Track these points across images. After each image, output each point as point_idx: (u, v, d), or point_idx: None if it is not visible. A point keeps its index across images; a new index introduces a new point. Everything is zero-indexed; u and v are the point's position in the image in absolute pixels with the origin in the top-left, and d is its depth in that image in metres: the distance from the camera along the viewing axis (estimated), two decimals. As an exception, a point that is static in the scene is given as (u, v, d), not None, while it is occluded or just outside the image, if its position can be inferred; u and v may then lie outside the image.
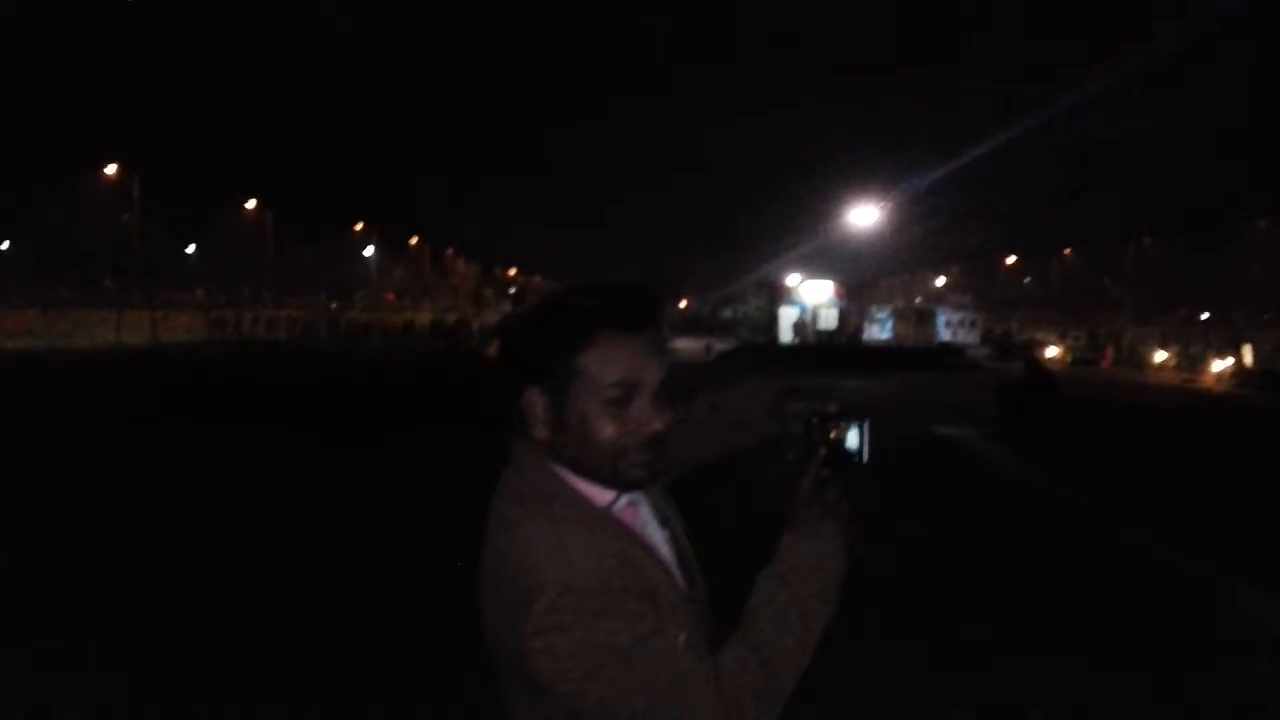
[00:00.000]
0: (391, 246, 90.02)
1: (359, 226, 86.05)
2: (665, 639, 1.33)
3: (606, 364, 1.42)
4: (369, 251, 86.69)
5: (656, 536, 1.56)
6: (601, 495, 1.48)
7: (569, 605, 1.30)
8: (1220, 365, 32.44)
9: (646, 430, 1.44)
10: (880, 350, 39.81)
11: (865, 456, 1.52)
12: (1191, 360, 36.20)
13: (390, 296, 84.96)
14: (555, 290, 1.57)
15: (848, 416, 1.55)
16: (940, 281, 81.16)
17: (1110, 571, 7.15)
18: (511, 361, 1.48)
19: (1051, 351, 40.42)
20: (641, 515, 1.56)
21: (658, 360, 1.47)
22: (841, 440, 1.53)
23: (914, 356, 36.41)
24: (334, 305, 69.20)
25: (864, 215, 50.34)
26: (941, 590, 6.94)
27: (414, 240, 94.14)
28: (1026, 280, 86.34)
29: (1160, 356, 38.41)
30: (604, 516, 1.45)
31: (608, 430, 1.43)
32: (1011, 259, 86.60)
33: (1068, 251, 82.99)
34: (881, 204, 51.18)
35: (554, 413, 1.44)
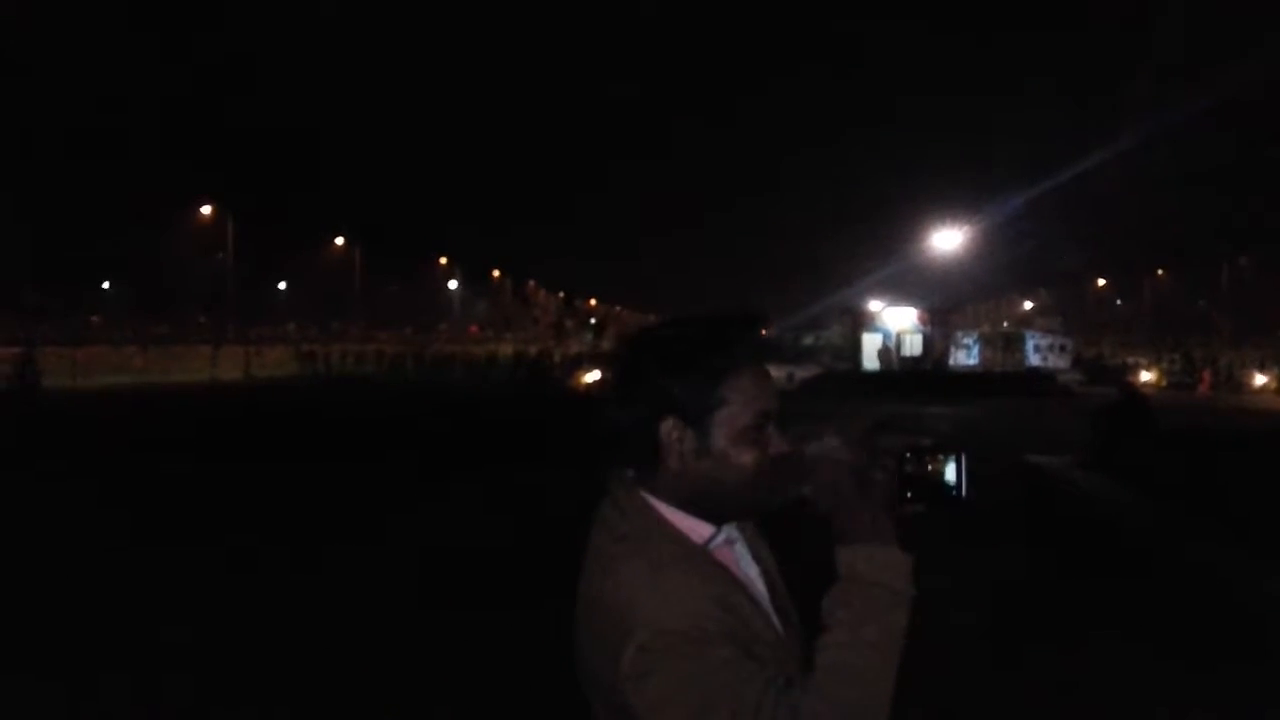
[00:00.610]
0: (474, 279, 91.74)
1: (443, 260, 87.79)
2: (756, 686, 1.30)
3: (751, 395, 1.46)
4: (453, 284, 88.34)
5: (751, 573, 1.56)
6: (700, 532, 1.47)
7: (662, 647, 1.30)
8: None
9: (776, 455, 1.47)
10: (967, 376, 39.18)
11: (964, 491, 1.49)
12: (1293, 383, 34.88)
13: (474, 329, 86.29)
14: (666, 323, 1.56)
15: (944, 450, 1.51)
16: (1028, 305, 79.52)
17: (1208, 609, 6.91)
18: (637, 396, 1.47)
19: (1146, 376, 39.32)
20: (736, 552, 1.56)
21: (775, 387, 1.53)
22: (939, 474, 1.49)
23: (1002, 382, 35.72)
24: (419, 338, 70.33)
25: (948, 239, 49.69)
26: (1038, 628, 6.77)
27: (496, 273, 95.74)
28: (1118, 303, 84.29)
29: (1261, 380, 37.13)
30: (702, 555, 1.44)
31: (748, 458, 1.45)
32: (1102, 281, 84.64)
33: (1161, 272, 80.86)
34: (966, 227, 50.48)
35: (696, 443, 1.44)
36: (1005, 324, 66.99)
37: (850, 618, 1.38)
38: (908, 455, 1.51)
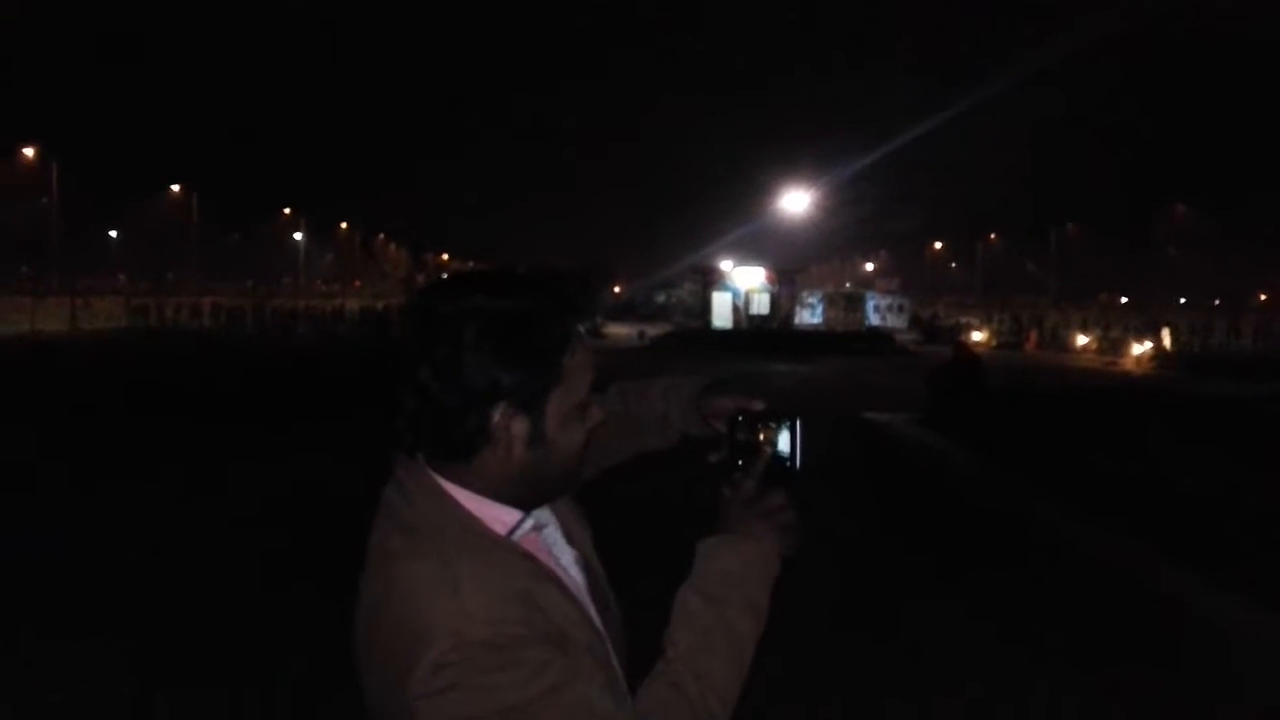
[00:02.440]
0: (320, 232, 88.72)
1: (287, 211, 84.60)
2: (578, 689, 1.15)
3: (583, 368, 1.29)
4: (298, 236, 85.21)
5: (566, 559, 1.39)
6: (503, 519, 1.28)
7: (463, 659, 1.12)
8: (1140, 349, 33.24)
9: (594, 429, 1.34)
10: (811, 335, 40.16)
11: (797, 462, 1.39)
12: (1112, 344, 37.04)
13: (320, 284, 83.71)
14: (480, 282, 1.27)
15: (777, 416, 1.42)
16: (869, 266, 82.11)
17: (1030, 553, 7.32)
18: (456, 377, 1.20)
19: (977, 336, 41.12)
20: (547, 538, 1.38)
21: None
22: (770, 443, 1.40)
23: (844, 341, 36.76)
24: (261, 291, 67.78)
25: (796, 201, 50.74)
26: (878, 579, 7.01)
27: (344, 225, 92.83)
28: (953, 265, 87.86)
29: (1082, 340, 39.27)
30: (505, 547, 1.25)
31: (578, 437, 1.31)
32: (939, 244, 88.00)
33: (993, 236, 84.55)
34: (813, 189, 51.62)
35: (529, 430, 1.25)
36: (848, 284, 69.04)
37: (705, 614, 1.30)
38: (739, 420, 1.43)
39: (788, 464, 1.39)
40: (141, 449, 11.73)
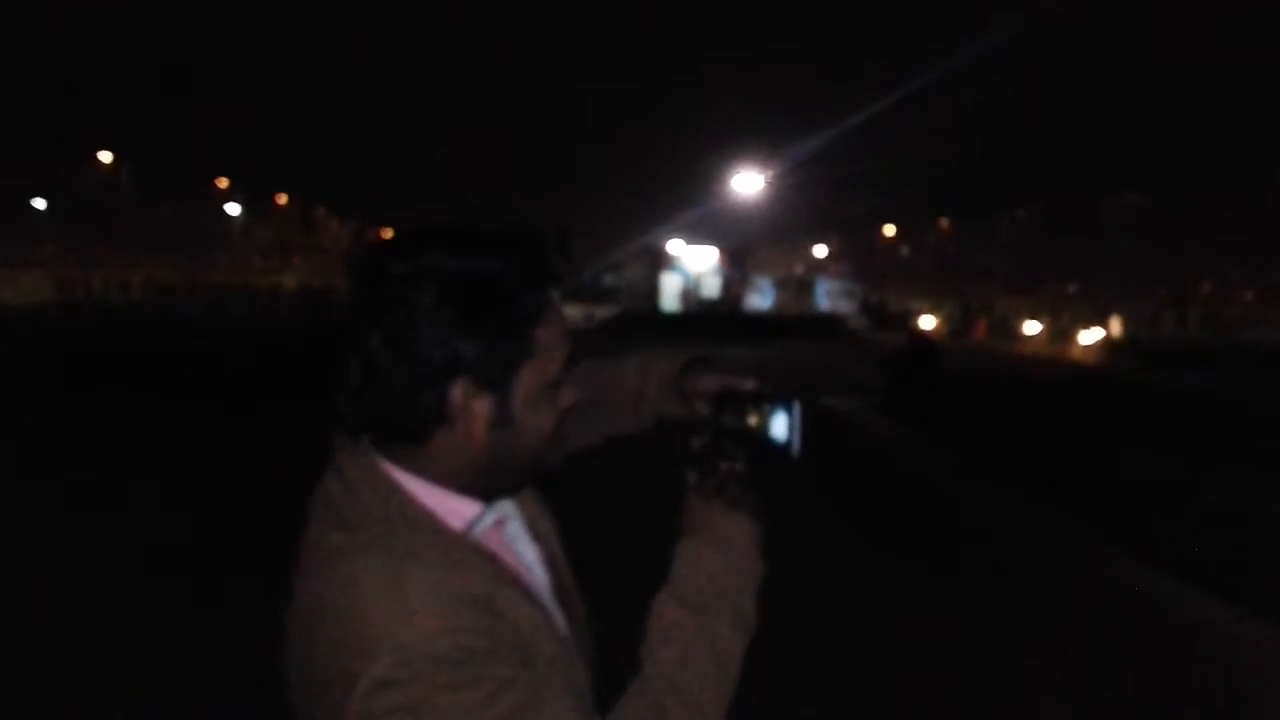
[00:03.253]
0: (257, 204, 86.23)
1: (222, 182, 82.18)
2: (545, 712, 1.01)
3: (557, 341, 1.14)
4: (233, 209, 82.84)
5: (529, 557, 1.23)
6: (461, 512, 1.12)
7: (411, 676, 0.97)
8: (1089, 337, 33.23)
9: (567, 413, 1.18)
10: (762, 319, 40.08)
11: (796, 447, 1.25)
12: (1061, 332, 37.09)
13: (256, 258, 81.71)
14: (437, 235, 1.11)
15: (771, 397, 1.27)
16: (821, 250, 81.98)
17: (988, 542, 7.09)
18: (407, 348, 1.05)
19: (928, 322, 40.95)
20: (510, 534, 1.21)
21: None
22: (763, 427, 1.25)
23: (795, 325, 36.64)
24: (193, 265, 65.96)
25: (747, 182, 50.32)
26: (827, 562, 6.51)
27: (282, 198, 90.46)
28: (904, 251, 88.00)
29: (1031, 328, 39.31)
30: (462, 545, 1.09)
31: (549, 420, 1.15)
32: (891, 230, 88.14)
33: (945, 222, 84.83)
34: (765, 171, 51.23)
35: (493, 410, 1.10)
36: (799, 269, 68.93)
37: (686, 624, 1.14)
38: (726, 401, 1.29)
39: (783, 451, 1.25)
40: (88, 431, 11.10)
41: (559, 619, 1.18)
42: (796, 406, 1.25)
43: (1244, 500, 6.67)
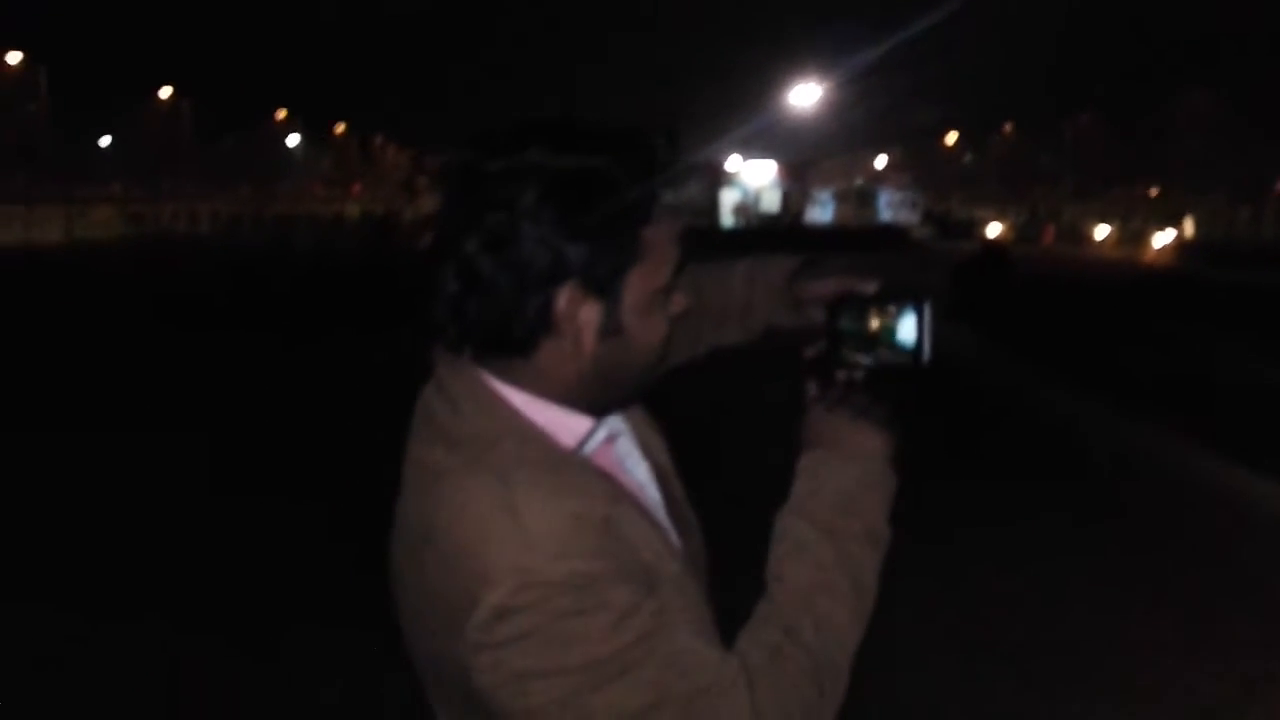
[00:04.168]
0: (317, 135, 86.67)
1: (281, 114, 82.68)
2: (674, 636, 0.95)
3: (667, 243, 1.04)
4: (293, 140, 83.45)
5: (641, 474, 1.15)
6: (572, 429, 1.04)
7: (533, 602, 0.90)
8: (1161, 239, 32.44)
9: (678, 319, 1.08)
10: (824, 232, 39.68)
11: (927, 352, 1.12)
12: (1133, 235, 36.26)
13: (318, 187, 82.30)
14: (531, 131, 1.00)
15: (896, 298, 1.15)
16: (881, 161, 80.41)
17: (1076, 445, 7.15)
18: (507, 255, 0.96)
19: (994, 229, 40.26)
20: (620, 450, 1.14)
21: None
22: (888, 331, 1.14)
23: (858, 238, 36.15)
24: (258, 197, 66.66)
25: (804, 94, 49.31)
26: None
27: (340, 128, 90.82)
28: (966, 159, 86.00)
29: (1101, 232, 38.46)
30: (576, 463, 1.01)
31: (660, 329, 1.06)
32: (952, 138, 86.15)
33: (1007, 128, 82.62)
34: (822, 82, 50.16)
35: (602, 318, 1.00)
36: (860, 180, 67.73)
37: (814, 543, 1.07)
38: (844, 305, 1.19)
39: (913, 356, 1.13)
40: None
41: (674, 538, 1.10)
42: (926, 307, 1.13)
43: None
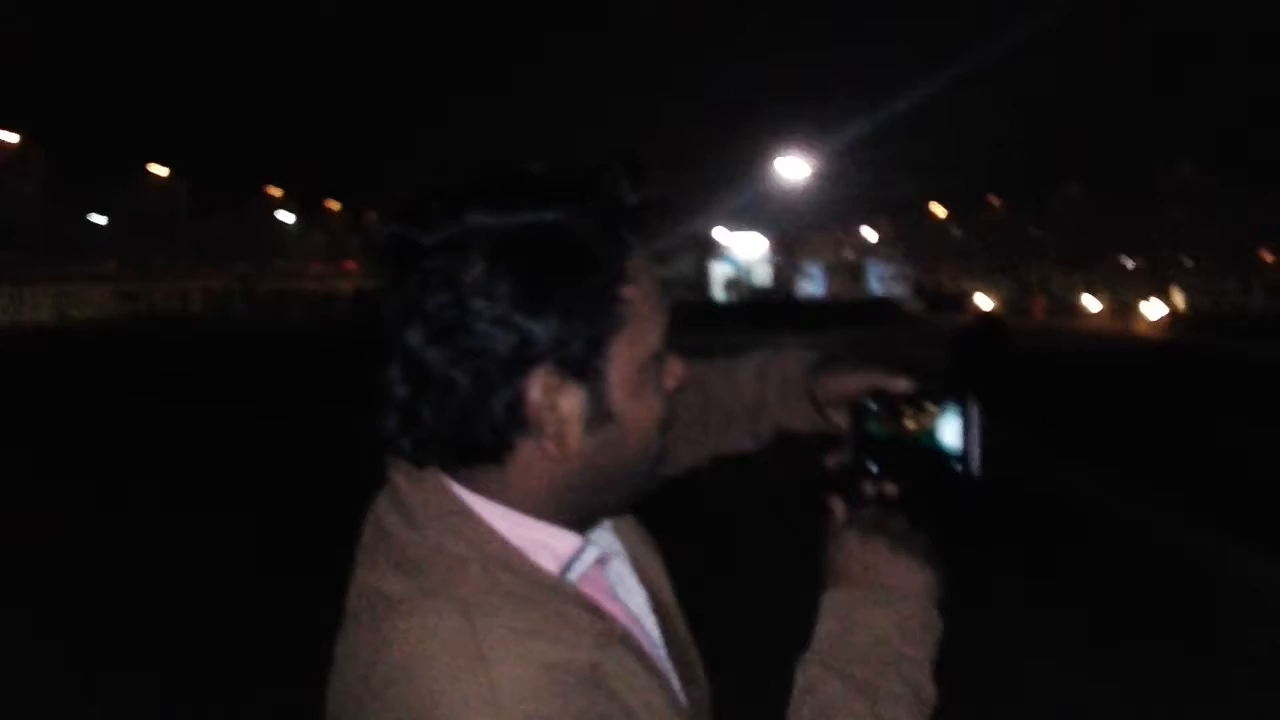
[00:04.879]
0: (309, 212, 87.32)
1: (274, 191, 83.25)
2: None
3: (651, 301, 0.84)
4: (287, 217, 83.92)
5: (637, 603, 0.94)
6: (554, 549, 0.85)
7: None
8: (1151, 310, 32.61)
9: (679, 391, 0.90)
10: (816, 306, 39.68)
11: (976, 461, 0.94)
12: (1123, 307, 36.46)
13: (315, 264, 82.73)
14: (478, 189, 0.82)
15: (935, 394, 0.97)
16: (870, 234, 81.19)
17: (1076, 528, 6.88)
18: (456, 341, 0.78)
19: (985, 302, 40.44)
20: (611, 575, 0.93)
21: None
22: (927, 434, 0.96)
23: (851, 311, 36.30)
24: (251, 274, 66.91)
25: (793, 167, 49.90)
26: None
27: (333, 204, 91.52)
28: (955, 231, 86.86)
29: (1092, 304, 38.67)
30: (561, 594, 0.82)
31: (657, 405, 0.86)
32: (941, 211, 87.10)
33: (995, 200, 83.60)
34: (810, 156, 50.80)
35: (586, 403, 0.82)
36: (849, 254, 68.29)
37: (844, 698, 0.90)
38: (873, 406, 1.01)
39: (957, 466, 0.94)
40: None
41: (676, 686, 0.92)
42: (974, 406, 0.95)
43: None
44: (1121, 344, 24.20)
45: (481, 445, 0.81)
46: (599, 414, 0.82)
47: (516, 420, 0.80)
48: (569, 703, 0.76)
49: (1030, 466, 9.17)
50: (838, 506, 1.00)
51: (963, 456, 0.95)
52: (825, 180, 58.76)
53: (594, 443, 0.83)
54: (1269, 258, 61.21)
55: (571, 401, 0.81)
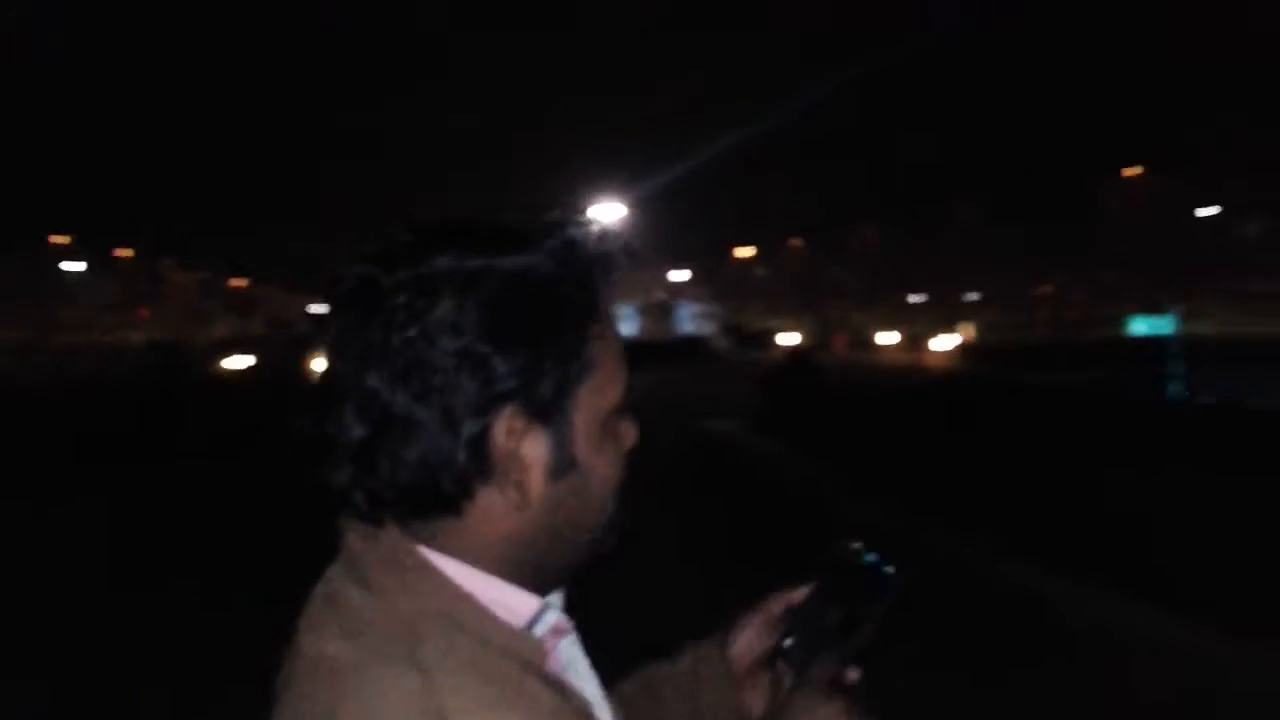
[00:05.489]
0: (99, 260, 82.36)
1: (60, 239, 78.26)
2: None
3: (614, 356, 0.82)
4: (74, 266, 78.86)
5: (591, 693, 0.86)
6: (515, 609, 0.79)
7: None
8: (942, 343, 34.49)
9: (630, 451, 0.86)
10: (629, 345, 40.14)
11: (885, 566, 1.02)
12: (914, 341, 38.47)
13: (106, 317, 78.06)
14: (435, 235, 0.79)
15: (829, 583, 1.03)
16: (679, 275, 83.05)
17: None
18: (424, 390, 0.74)
19: (790, 339, 41.90)
20: (565, 654, 0.85)
21: None
22: (856, 560, 1.03)
23: (662, 350, 36.93)
24: (38, 328, 62.49)
25: (606, 212, 50.61)
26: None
27: (125, 251, 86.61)
28: (760, 271, 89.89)
29: (887, 338, 40.62)
30: (525, 666, 0.76)
31: (615, 463, 0.83)
32: (747, 251, 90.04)
33: (796, 242, 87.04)
34: (623, 199, 51.74)
35: (551, 450, 0.78)
36: (660, 294, 69.58)
37: None
38: (787, 636, 1.01)
39: (881, 576, 1.02)
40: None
41: None
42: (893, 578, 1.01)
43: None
44: (915, 375, 25.48)
45: (442, 493, 0.76)
46: (562, 462, 0.79)
47: (479, 465, 0.76)
48: None
49: (840, 496, 9.55)
50: (787, 677, 0.99)
51: (874, 566, 1.02)
52: (635, 225, 59.83)
53: (555, 493, 0.79)
54: (1048, 291, 65.92)
55: (537, 446, 0.77)
